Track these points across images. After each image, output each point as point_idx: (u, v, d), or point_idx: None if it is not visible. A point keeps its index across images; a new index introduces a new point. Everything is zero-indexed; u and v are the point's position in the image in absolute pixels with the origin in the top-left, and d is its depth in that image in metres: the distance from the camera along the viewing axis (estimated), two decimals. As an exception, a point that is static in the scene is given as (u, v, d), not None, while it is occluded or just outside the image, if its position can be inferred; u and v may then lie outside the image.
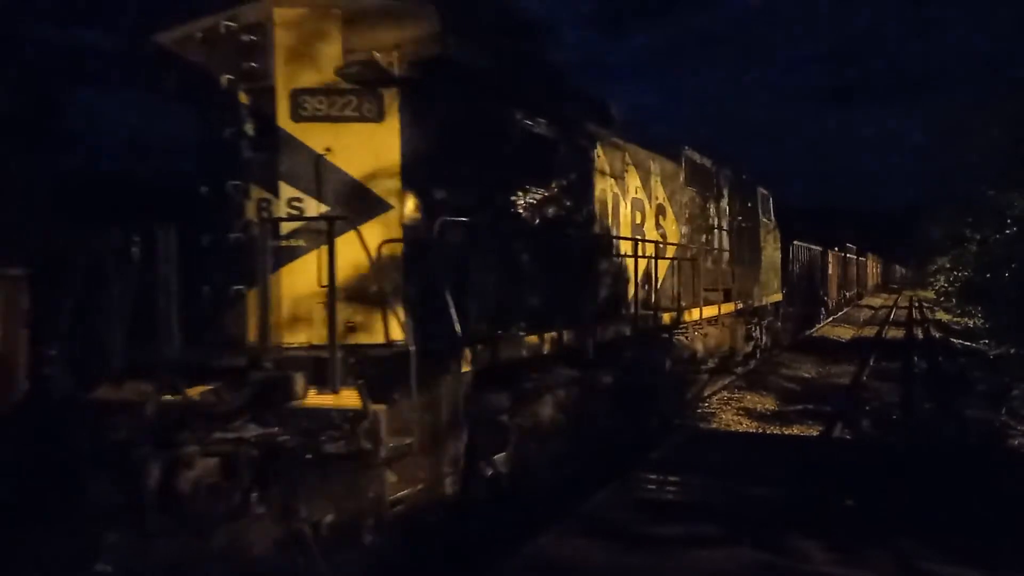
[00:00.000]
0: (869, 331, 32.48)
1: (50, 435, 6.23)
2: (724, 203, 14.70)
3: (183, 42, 6.69)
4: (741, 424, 12.58)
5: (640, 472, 7.30)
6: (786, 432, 12.04)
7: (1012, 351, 14.86)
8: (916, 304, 51.66)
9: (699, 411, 13.20)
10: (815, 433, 11.97)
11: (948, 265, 28.71)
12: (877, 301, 58.87)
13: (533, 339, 7.38)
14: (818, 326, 31.04)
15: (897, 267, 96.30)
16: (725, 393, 14.96)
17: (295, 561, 5.35)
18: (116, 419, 5.82)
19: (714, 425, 12.34)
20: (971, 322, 25.19)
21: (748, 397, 14.80)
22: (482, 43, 7.00)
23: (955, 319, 31.16)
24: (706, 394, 14.37)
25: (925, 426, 12.91)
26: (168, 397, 5.77)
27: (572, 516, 5.99)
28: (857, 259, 53.37)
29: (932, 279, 41.32)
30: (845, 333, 30.77)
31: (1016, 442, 11.71)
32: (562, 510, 6.18)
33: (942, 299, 35.38)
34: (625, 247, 9.98)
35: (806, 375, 18.64)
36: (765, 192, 18.00)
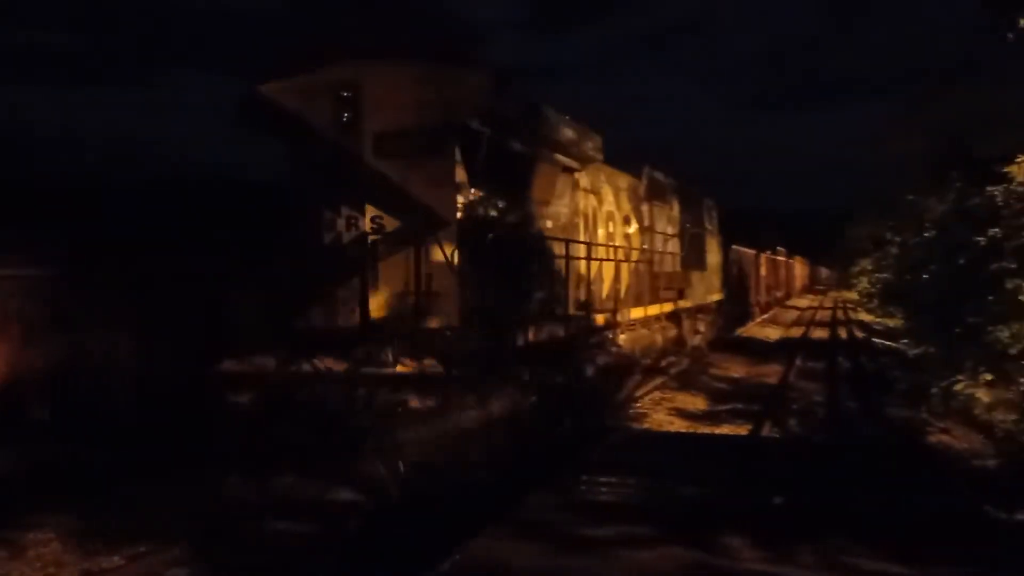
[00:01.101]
0: (796, 331, 33.23)
1: (186, 399, 8.28)
2: (676, 212, 16.96)
3: (283, 92, 8.55)
4: (673, 424, 12.74)
5: (574, 473, 7.34)
6: (716, 431, 12.23)
7: (931, 351, 15.34)
8: (840, 305, 53.08)
9: (632, 411, 13.33)
10: (744, 432, 12.20)
11: (870, 267, 29.57)
12: (804, 302, 60.30)
13: (552, 325, 9.64)
14: (749, 324, 31.72)
15: (823, 269, 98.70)
16: (657, 393, 15.13)
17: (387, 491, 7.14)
18: (243, 386, 7.83)
19: (647, 425, 12.47)
20: (892, 322, 25.97)
21: (679, 397, 15.00)
22: (514, 96, 8.92)
23: (877, 319, 32.09)
24: (638, 394, 14.54)
25: (849, 424, 13.26)
26: (289, 368, 7.71)
27: (507, 517, 5.99)
28: (786, 261, 54.72)
29: (855, 280, 42.52)
30: (773, 333, 31.43)
31: (935, 439, 12.09)
32: (497, 511, 6.18)
33: (864, 300, 36.42)
34: (602, 253, 12.06)
35: (735, 375, 18.97)
36: (710, 202, 20.61)
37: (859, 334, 31.20)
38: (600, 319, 11.51)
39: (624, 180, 13.61)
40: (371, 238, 8.21)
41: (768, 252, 41.27)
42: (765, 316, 38.22)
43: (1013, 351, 10.50)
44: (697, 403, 14.71)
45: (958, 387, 12.43)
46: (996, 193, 10.98)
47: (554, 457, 8.65)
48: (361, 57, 8.41)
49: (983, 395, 11.86)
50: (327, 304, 8.37)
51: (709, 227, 20.46)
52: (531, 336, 8.90)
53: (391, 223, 8.26)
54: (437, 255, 8.02)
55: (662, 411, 13.60)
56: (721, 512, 6.11)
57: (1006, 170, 10.59)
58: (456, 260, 8.11)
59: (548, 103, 9.90)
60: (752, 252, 33.82)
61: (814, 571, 4.89)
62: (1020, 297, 10.20)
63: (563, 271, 10.31)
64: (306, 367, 7.80)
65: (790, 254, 59.12)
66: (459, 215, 8.24)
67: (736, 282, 28.15)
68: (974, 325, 11.67)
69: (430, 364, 7.59)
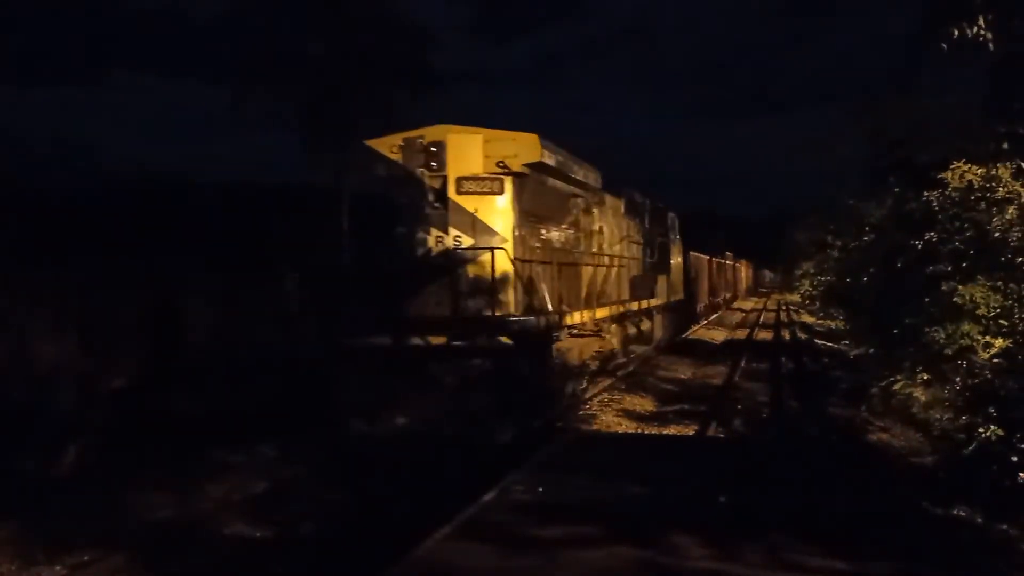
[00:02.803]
0: (741, 333, 33.71)
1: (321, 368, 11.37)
2: (647, 225, 20.14)
3: (385, 146, 11.71)
4: (621, 425, 12.86)
5: (524, 474, 7.38)
6: (664, 432, 12.37)
7: (870, 351, 15.66)
8: (784, 307, 54.00)
9: (581, 413, 13.42)
10: (691, 433, 12.34)
11: (812, 270, 30.02)
12: (748, 304, 61.24)
13: (579, 315, 13.23)
14: (696, 327, 32.14)
15: (767, 272, 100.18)
16: (606, 395, 15.24)
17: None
18: (364, 356, 10.81)
19: (596, 427, 12.57)
20: (833, 324, 26.46)
21: (627, 399, 15.13)
22: (547, 147, 11.87)
23: (819, 321, 32.65)
24: (587, 396, 14.64)
25: (793, 424, 13.50)
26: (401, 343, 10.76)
27: (458, 519, 6.00)
28: (733, 265, 55.63)
29: (798, 283, 43.17)
30: (719, 335, 31.85)
31: (875, 437, 12.37)
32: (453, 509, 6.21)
33: (807, 302, 36.98)
34: (600, 260, 15.28)
35: (682, 376, 19.21)
36: (673, 215, 24.17)
37: (802, 336, 31.77)
38: (600, 312, 14.74)
39: (610, 199, 16.61)
40: (455, 251, 11.22)
41: (717, 257, 42.28)
42: (712, 318, 38.74)
43: (949, 351, 10.76)
44: (645, 404, 14.86)
45: (897, 387, 12.71)
46: (932, 198, 11.25)
47: (504, 457, 8.72)
48: (446, 124, 11.78)
49: (920, 394, 12.15)
50: (423, 298, 11.19)
51: (673, 236, 23.79)
52: (571, 320, 12.67)
53: (467, 241, 11.28)
54: (501, 263, 10.98)
55: (611, 412, 13.71)
56: (668, 511, 6.21)
57: (941, 176, 10.87)
58: (512, 266, 11.21)
59: (570, 149, 13.31)
60: (705, 258, 36.07)
61: (759, 568, 4.99)
62: (955, 299, 10.45)
63: (577, 275, 13.84)
64: (415, 341, 10.85)
65: (735, 257, 60.01)
66: (513, 235, 11.43)
67: (695, 284, 31.00)
68: (912, 326, 11.94)
69: (502, 339, 10.72)
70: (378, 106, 26.96)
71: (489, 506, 6.40)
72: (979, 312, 10.27)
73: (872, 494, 6.88)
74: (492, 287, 10.94)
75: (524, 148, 11.52)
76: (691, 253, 29.85)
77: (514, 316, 11.09)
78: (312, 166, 28.43)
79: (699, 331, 32.04)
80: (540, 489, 6.91)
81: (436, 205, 11.33)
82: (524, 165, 11.51)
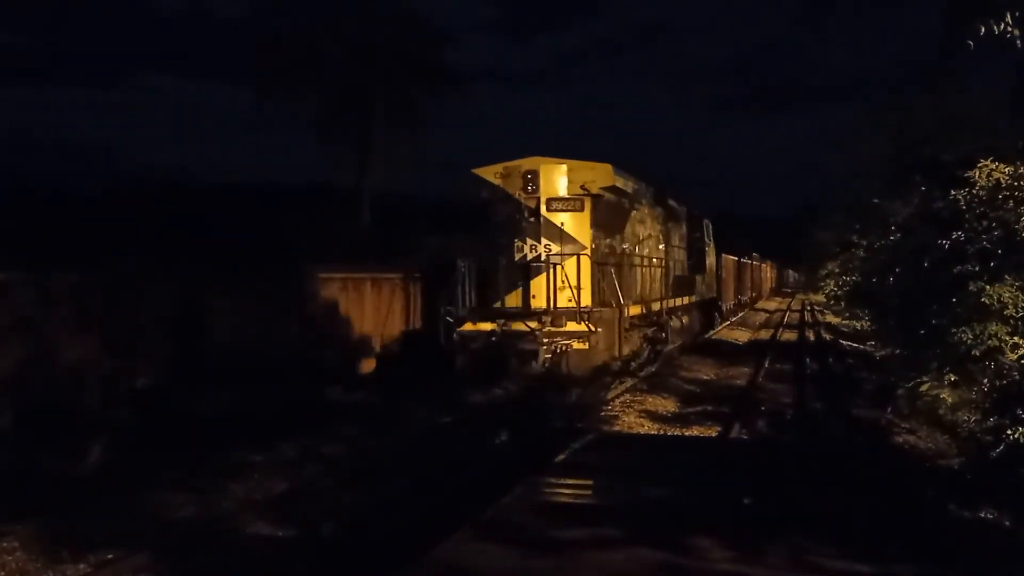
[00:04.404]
0: (765, 334, 33.45)
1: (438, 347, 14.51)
2: (685, 230, 23.13)
3: (489, 173, 14.89)
4: (643, 426, 12.79)
5: (544, 475, 7.35)
6: (686, 433, 12.29)
7: (896, 352, 15.51)
8: (808, 308, 53.57)
9: (603, 414, 13.36)
10: (714, 434, 12.26)
11: (837, 270, 29.73)
12: (772, 305, 60.79)
13: (637, 307, 16.68)
14: (720, 327, 31.97)
15: (790, 272, 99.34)
16: (628, 396, 15.17)
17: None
18: (478, 339, 13.97)
19: (617, 428, 12.51)
20: (858, 324, 26.20)
21: (650, 399, 15.05)
22: (621, 174, 15.41)
23: (844, 322, 32.34)
24: (609, 397, 14.59)
25: (817, 426, 13.38)
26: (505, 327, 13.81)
27: (477, 520, 5.98)
28: (759, 265, 55.43)
29: (822, 283, 42.71)
30: (742, 336, 31.62)
31: (901, 439, 12.23)
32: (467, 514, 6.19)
33: (832, 302, 36.66)
34: (651, 262, 18.50)
35: (705, 377, 19.08)
36: (707, 221, 27.14)
37: (827, 336, 31.49)
38: (654, 306, 18.25)
39: (659, 210, 19.48)
40: (548, 256, 14.15)
41: (746, 258, 42.48)
42: (735, 318, 38.52)
43: (976, 352, 10.63)
44: (668, 405, 14.77)
45: (923, 388, 12.58)
46: (959, 197, 11.11)
47: (525, 458, 8.72)
48: (539, 155, 14.87)
49: (947, 396, 12.01)
50: (523, 292, 14.31)
51: (707, 240, 26.70)
52: (631, 312, 16.02)
53: (556, 248, 14.26)
54: (583, 265, 14.01)
55: (633, 414, 13.63)
56: (690, 513, 6.16)
57: (968, 174, 10.73)
58: (591, 268, 14.19)
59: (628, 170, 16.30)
60: (733, 259, 37.67)
61: (782, 571, 4.93)
62: (983, 299, 10.33)
63: (635, 275, 16.93)
64: (517, 326, 13.68)
65: (760, 258, 59.62)
66: (591, 244, 14.43)
67: (720, 285, 32.97)
68: (938, 327, 11.80)
69: (585, 327, 13.55)
70: (397, 106, 27.09)
71: (507, 507, 6.38)
72: (1007, 312, 10.14)
73: (898, 496, 6.79)
74: (577, 284, 13.78)
75: (600, 175, 14.74)
76: (723, 255, 32.00)
77: (594, 309, 13.93)
78: (331, 166, 28.62)
79: (723, 331, 31.82)
80: (561, 490, 6.88)
81: (531, 220, 14.41)
82: (600, 188, 14.64)
